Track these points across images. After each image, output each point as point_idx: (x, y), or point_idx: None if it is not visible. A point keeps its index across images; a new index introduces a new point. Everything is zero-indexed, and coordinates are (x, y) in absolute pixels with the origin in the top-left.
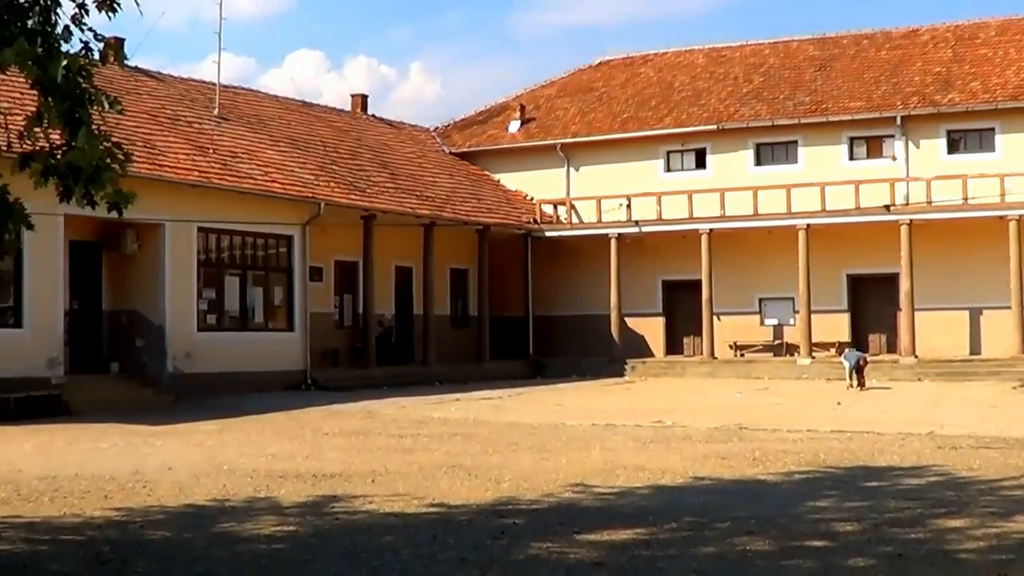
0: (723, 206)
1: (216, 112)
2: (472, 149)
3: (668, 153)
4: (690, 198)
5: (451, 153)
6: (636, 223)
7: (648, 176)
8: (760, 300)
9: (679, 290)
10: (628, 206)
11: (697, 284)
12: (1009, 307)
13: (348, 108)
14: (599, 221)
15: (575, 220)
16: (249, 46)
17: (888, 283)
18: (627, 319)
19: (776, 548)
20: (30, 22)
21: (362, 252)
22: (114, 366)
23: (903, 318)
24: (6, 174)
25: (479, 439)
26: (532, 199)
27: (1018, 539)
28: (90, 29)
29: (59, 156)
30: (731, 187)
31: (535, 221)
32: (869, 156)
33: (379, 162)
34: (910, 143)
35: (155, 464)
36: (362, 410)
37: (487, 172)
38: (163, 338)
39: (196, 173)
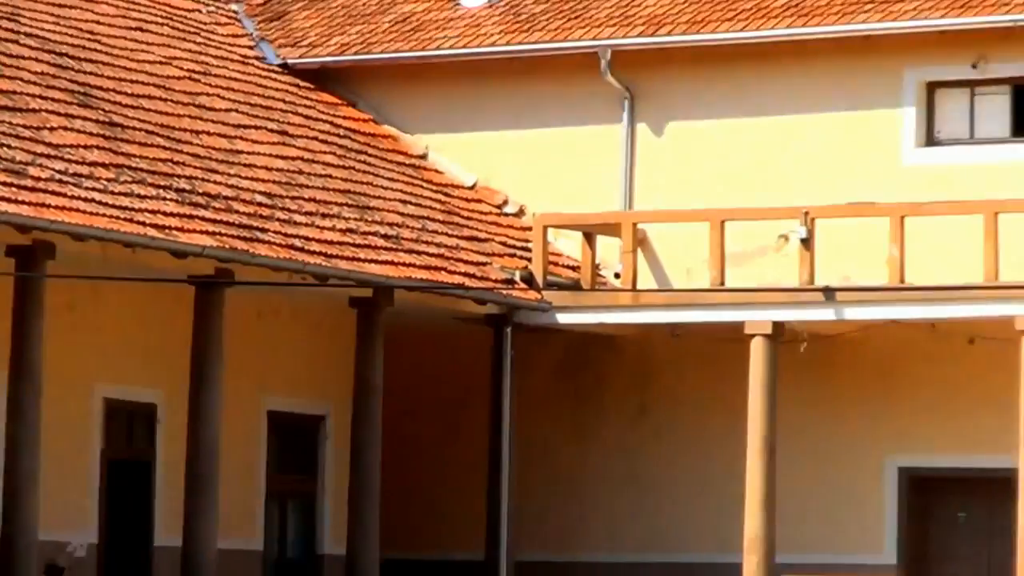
0: None
1: None
2: (348, 59)
3: (930, 88)
4: (994, 221)
5: (287, 68)
6: (826, 291)
7: (872, 152)
8: None
9: (946, 497)
10: (806, 241)
11: (987, 483)
12: None
13: None
14: (719, 285)
15: (644, 284)
16: None
17: None
18: None
19: None
20: None
21: (9, 355)
22: None
23: None
24: None
25: None
26: (520, 211)
27: None
28: None
29: None
30: None
31: (525, 282)
32: None
33: (69, 85)
34: None
35: None
36: None
37: (392, 130)
38: None
39: None
